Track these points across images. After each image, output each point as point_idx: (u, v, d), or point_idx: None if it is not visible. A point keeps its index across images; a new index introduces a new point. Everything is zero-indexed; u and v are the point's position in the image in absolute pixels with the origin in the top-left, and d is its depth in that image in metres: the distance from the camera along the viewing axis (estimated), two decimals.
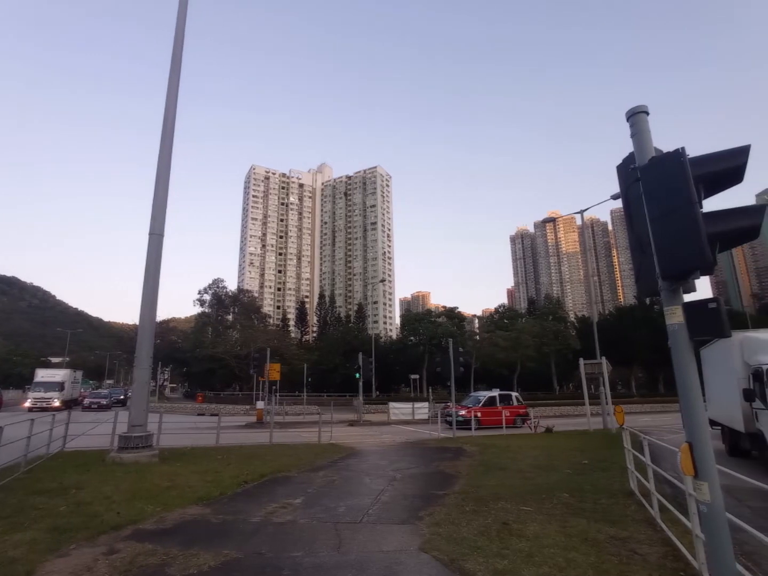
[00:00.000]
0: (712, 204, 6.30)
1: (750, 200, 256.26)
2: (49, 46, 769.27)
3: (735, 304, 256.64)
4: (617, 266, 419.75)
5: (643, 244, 6.70)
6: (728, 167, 6.13)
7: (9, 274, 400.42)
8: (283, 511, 12.40)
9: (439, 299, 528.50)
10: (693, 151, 6.18)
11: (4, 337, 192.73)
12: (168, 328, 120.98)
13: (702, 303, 6.03)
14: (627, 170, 7.14)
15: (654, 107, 6.93)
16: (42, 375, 69.69)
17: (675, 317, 6.29)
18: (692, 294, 6.44)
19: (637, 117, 6.90)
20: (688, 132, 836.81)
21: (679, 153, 6.08)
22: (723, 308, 5.87)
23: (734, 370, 21.01)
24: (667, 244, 6.09)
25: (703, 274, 6.10)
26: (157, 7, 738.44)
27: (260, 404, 48.49)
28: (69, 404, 65.60)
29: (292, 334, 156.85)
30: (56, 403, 62.73)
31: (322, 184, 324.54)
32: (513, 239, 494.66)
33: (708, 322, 5.96)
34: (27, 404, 64.34)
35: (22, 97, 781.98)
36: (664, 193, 6.19)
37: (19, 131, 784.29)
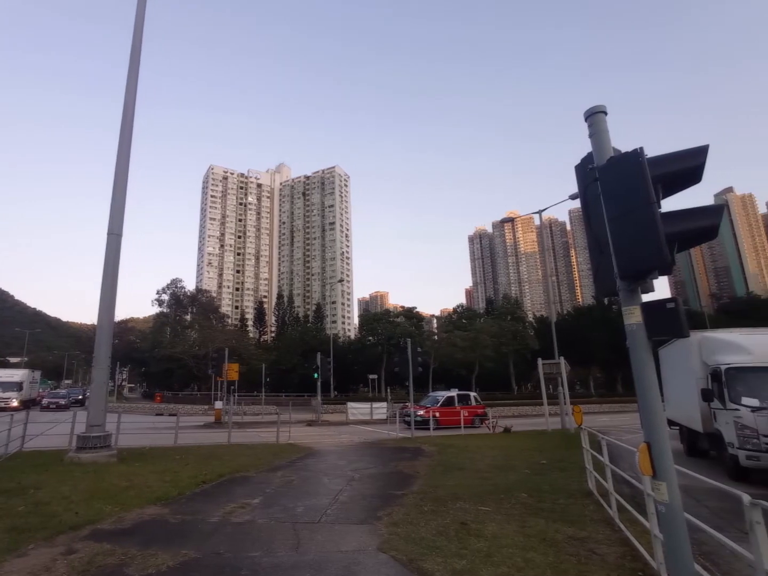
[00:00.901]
0: (670, 204, 6.37)
1: (708, 200, 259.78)
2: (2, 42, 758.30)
3: (693, 304, 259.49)
4: (575, 266, 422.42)
5: (601, 244, 6.75)
6: (687, 167, 6.18)
7: None
8: (242, 511, 12.37)
9: (397, 299, 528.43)
10: (651, 152, 6.24)
11: None
12: (126, 328, 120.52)
13: (660, 303, 6.07)
14: (585, 170, 7.19)
15: (612, 108, 6.98)
16: (0, 375, 68.91)
17: (633, 317, 6.33)
18: (650, 294, 6.49)
19: (595, 117, 6.95)
20: (646, 132, 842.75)
21: (637, 153, 6.13)
22: (681, 308, 5.92)
23: (693, 371, 21.22)
24: (626, 244, 6.12)
25: (662, 274, 6.14)
26: (115, 4, 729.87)
27: (218, 404, 48.50)
28: (27, 404, 65.41)
29: (251, 334, 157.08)
30: (14, 403, 62.14)
31: (281, 184, 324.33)
32: (471, 239, 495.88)
33: (666, 322, 6.00)
34: None
35: None
36: (623, 193, 6.23)
37: None
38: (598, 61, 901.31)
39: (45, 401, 70.30)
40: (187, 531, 10.63)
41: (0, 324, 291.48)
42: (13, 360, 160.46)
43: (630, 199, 6.11)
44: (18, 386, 66.27)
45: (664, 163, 6.19)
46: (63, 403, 70.04)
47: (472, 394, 47.93)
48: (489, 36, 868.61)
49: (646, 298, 6.44)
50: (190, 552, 9.17)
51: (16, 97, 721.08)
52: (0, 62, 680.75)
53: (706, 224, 6.02)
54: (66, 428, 25.89)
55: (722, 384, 18.40)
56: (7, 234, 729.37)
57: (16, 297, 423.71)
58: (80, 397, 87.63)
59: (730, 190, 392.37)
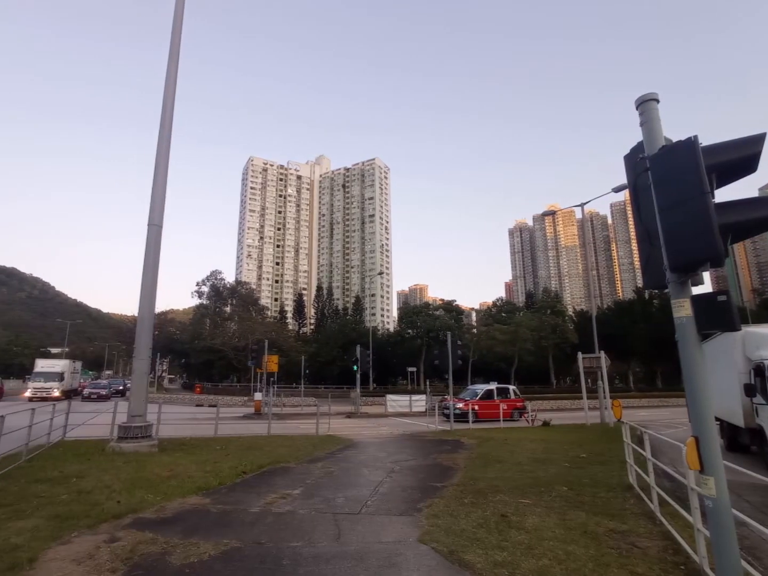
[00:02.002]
0: (721, 195, 6.23)
1: (753, 193, 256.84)
2: (46, 37, 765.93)
3: (735, 299, 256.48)
4: (616, 260, 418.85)
5: (651, 235, 6.60)
6: (742, 156, 6.01)
7: (8, 265, 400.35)
8: (283, 502, 12.39)
9: (436, 292, 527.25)
10: (704, 140, 6.10)
11: (3, 327, 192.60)
12: (166, 319, 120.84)
13: (711, 296, 5.95)
14: (635, 160, 7.04)
15: (663, 96, 6.84)
16: (42, 365, 69.96)
17: (683, 310, 6.20)
18: (699, 287, 6.38)
19: (646, 105, 6.79)
20: (699, 121, 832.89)
21: (691, 141, 5.98)
22: (733, 301, 5.80)
23: (735, 365, 20.92)
24: (677, 235, 5.97)
25: (714, 266, 5.98)
26: None
27: (258, 396, 48.56)
28: (69, 394, 65.77)
29: (290, 327, 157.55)
30: (56, 393, 62.94)
31: (321, 176, 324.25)
32: (511, 232, 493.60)
33: (717, 316, 5.87)
34: (27, 394, 64.49)
35: (13, 89, 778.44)
36: (675, 182, 6.07)
37: (17, 123, 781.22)
38: (645, 50, 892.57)
39: (86, 391, 70.56)
40: (228, 521, 10.66)
41: (41, 315, 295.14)
42: (54, 350, 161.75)
43: (683, 189, 5.95)
44: (59, 376, 67.12)
45: (718, 152, 6.03)
46: (104, 393, 70.41)
47: (511, 387, 47.88)
48: (531, 23, 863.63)
49: (695, 291, 6.32)
50: (232, 541, 9.19)
51: (57, 90, 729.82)
52: (45, 53, 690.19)
53: (763, 215, 5.86)
54: (107, 418, 26.03)
55: (765, 379, 18.16)
56: (48, 225, 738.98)
57: (57, 288, 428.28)
58: (121, 387, 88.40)
59: None
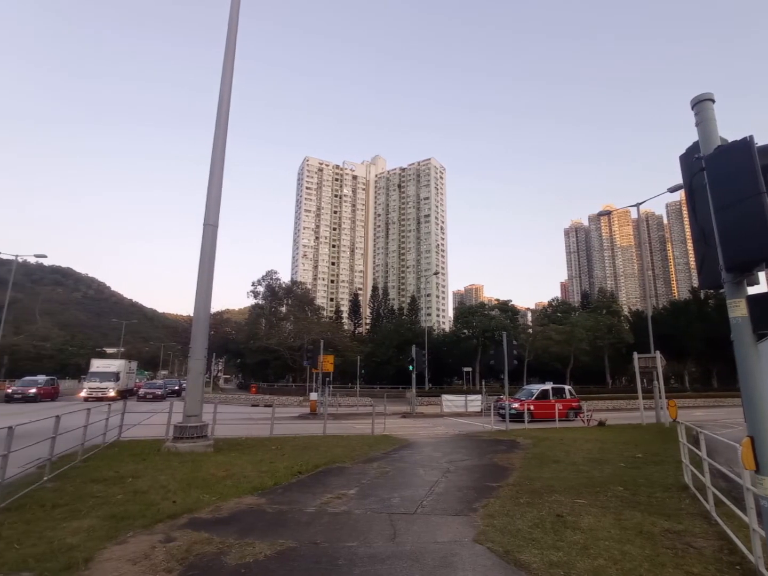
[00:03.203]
0: None
1: None
2: (102, 37, 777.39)
3: None
4: (672, 260, 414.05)
5: (706, 235, 6.57)
6: None
7: (64, 265, 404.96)
8: (338, 502, 12.45)
9: (492, 292, 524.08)
10: (761, 140, 6.03)
11: (60, 327, 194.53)
12: (222, 319, 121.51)
13: (767, 296, 5.89)
14: (691, 160, 7.01)
15: (719, 95, 6.77)
16: (97, 365, 70.64)
17: (738, 310, 6.15)
18: (755, 287, 6.30)
19: (702, 105, 6.76)
20: (754, 121, 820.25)
21: (746, 141, 5.92)
22: None
23: None
24: (733, 235, 5.92)
25: None
26: None
27: (314, 396, 48.82)
28: (124, 394, 66.38)
29: (346, 327, 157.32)
30: (112, 393, 63.60)
31: (376, 176, 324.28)
32: (567, 233, 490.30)
33: None
34: (83, 394, 65.31)
35: (70, 90, 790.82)
36: (730, 182, 6.02)
37: (74, 123, 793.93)
38: (701, 48, 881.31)
39: (142, 391, 71.27)
40: (283, 521, 10.72)
41: (97, 315, 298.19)
42: (110, 350, 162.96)
43: (738, 189, 5.90)
44: (115, 376, 67.82)
45: None
46: (159, 393, 71.11)
47: (567, 387, 47.46)
48: (588, 23, 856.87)
49: (751, 291, 6.25)
50: (288, 541, 9.24)
51: (110, 89, 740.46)
52: (103, 54, 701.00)
53: None
54: (163, 418, 26.36)
55: None
56: (105, 227, 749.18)
57: (113, 288, 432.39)
58: (176, 387, 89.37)
59: None
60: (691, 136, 6.97)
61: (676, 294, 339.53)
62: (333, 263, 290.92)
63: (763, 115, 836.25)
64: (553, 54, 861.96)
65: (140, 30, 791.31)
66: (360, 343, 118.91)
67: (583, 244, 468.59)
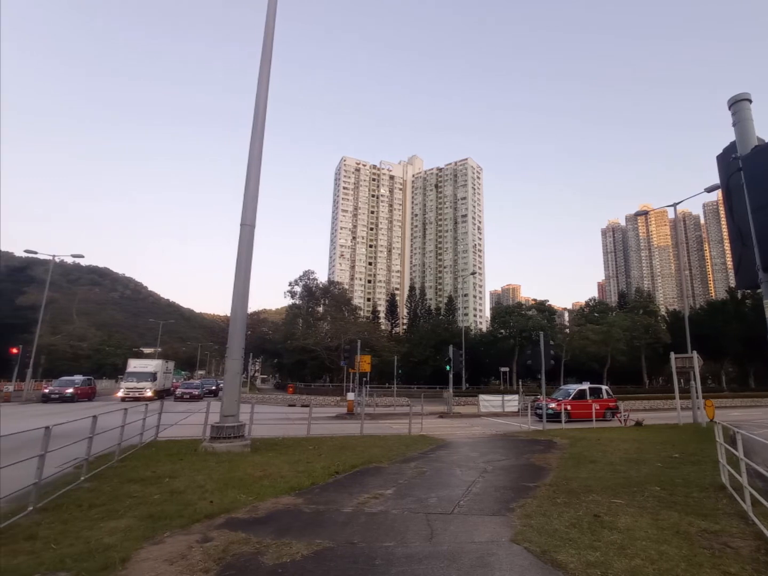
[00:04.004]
0: None
1: None
2: (138, 38, 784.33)
3: None
4: (709, 260, 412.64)
5: (743, 235, 6.49)
6: None
7: (101, 265, 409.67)
8: (375, 502, 12.42)
9: (529, 292, 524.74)
10: None
11: (97, 327, 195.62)
12: (259, 319, 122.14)
13: None
14: (728, 160, 6.93)
15: (756, 95, 6.64)
16: (134, 365, 71.14)
17: None
18: None
19: (739, 105, 6.67)
20: None
21: None
22: None
23: None
24: None
25: None
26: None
27: (351, 395, 48.73)
28: (161, 394, 67.21)
29: (382, 327, 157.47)
30: (148, 393, 64.22)
31: (413, 176, 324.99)
32: (604, 233, 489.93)
33: None
34: (120, 394, 65.95)
35: (107, 91, 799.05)
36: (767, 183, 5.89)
37: (112, 124, 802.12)
38: (738, 48, 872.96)
39: (179, 391, 71.66)
40: (320, 521, 10.69)
41: (134, 315, 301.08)
42: (147, 350, 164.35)
43: None
44: (152, 376, 68.33)
45: None
46: (196, 393, 71.49)
47: (604, 387, 47.29)
48: (623, 22, 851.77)
49: None
50: (324, 541, 9.22)
51: (151, 91, 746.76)
52: (138, 54, 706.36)
53: None
54: (200, 418, 26.51)
55: None
56: (142, 227, 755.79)
57: (150, 288, 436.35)
58: (213, 387, 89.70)
59: None
60: (729, 136, 6.88)
61: (713, 294, 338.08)
62: (370, 263, 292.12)
63: None
64: (590, 54, 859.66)
65: (178, 31, 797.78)
66: (397, 343, 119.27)
67: (620, 244, 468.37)
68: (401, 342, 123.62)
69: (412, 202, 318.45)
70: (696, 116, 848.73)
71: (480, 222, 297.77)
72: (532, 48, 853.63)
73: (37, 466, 10.78)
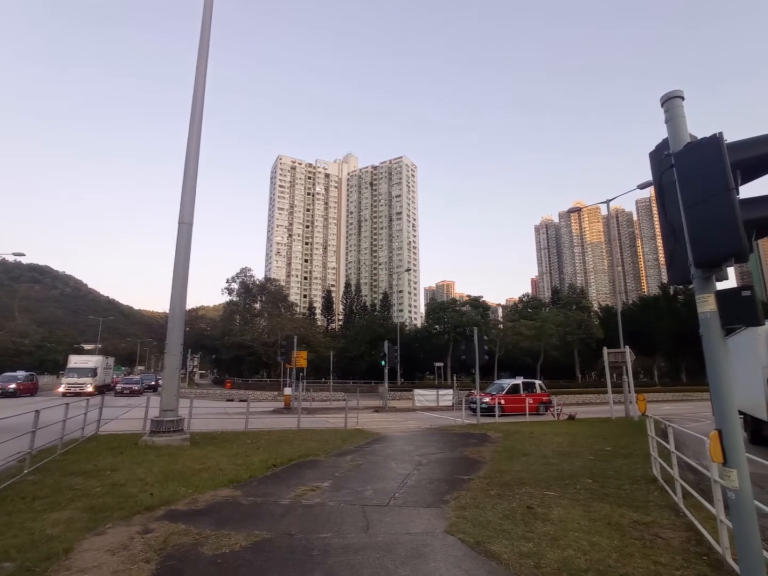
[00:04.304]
0: (746, 191, 6.26)
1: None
2: (72, 33, 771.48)
3: (759, 294, 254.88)
4: (641, 256, 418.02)
5: (676, 231, 6.64)
6: (767, 153, 6.06)
7: (42, 263, 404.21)
8: (312, 494, 12.56)
9: (463, 288, 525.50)
10: (730, 137, 6.13)
11: (38, 324, 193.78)
12: (197, 316, 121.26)
13: (735, 291, 5.99)
14: (660, 157, 7.07)
15: (689, 91, 6.89)
16: (75, 361, 71.23)
17: (707, 305, 6.24)
18: (724, 282, 6.42)
19: (671, 102, 6.83)
20: (723, 117, 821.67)
21: (716, 138, 6.03)
22: (757, 296, 5.85)
23: (759, 360, 20.90)
24: (702, 231, 6.00)
25: (738, 261, 6.01)
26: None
27: (288, 390, 48.90)
28: (102, 389, 67.63)
29: (319, 323, 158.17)
30: (89, 389, 64.15)
31: (348, 174, 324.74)
32: (537, 229, 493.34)
33: (741, 311, 5.91)
34: (61, 389, 65.75)
35: (54, 85, 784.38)
36: (700, 179, 6.10)
37: (49, 119, 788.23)
38: (669, 46, 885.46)
39: (119, 387, 71.86)
40: (259, 513, 10.84)
41: (75, 312, 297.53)
42: (87, 347, 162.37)
43: (707, 186, 5.98)
44: (93, 372, 68.21)
45: (743, 149, 6.04)
46: (136, 388, 71.78)
47: (537, 381, 47.78)
48: (556, 11, 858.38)
49: (720, 286, 6.37)
50: (263, 533, 9.36)
51: (83, 84, 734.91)
52: (74, 51, 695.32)
53: None
54: (140, 413, 26.58)
55: None
56: (80, 224, 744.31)
57: (90, 286, 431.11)
58: (153, 382, 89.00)
59: None
60: (661, 132, 7.08)
61: (645, 290, 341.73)
62: (306, 260, 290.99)
63: (733, 109, 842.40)
64: (524, 44, 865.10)
65: (110, 20, 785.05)
66: (333, 338, 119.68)
67: (553, 240, 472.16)
68: (337, 338, 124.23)
69: (348, 200, 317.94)
70: (630, 113, 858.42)
71: (415, 219, 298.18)
72: (463, 39, 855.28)
73: None
